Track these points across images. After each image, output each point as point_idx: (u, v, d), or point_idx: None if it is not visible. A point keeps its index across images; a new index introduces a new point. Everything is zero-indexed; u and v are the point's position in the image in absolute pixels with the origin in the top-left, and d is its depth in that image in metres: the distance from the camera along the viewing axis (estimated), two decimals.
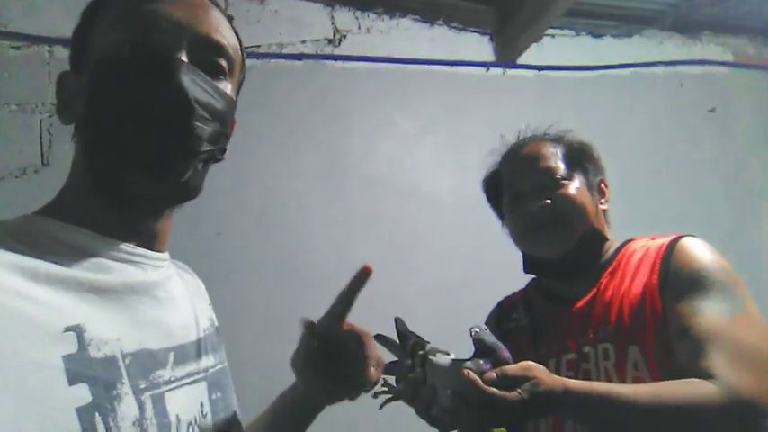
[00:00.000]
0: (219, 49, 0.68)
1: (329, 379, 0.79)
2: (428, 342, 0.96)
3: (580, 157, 1.19)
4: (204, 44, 0.66)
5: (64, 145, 1.93)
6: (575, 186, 1.14)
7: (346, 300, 0.86)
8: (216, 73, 0.68)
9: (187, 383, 0.65)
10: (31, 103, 1.96)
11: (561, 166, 1.16)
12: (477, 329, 0.89)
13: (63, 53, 2.01)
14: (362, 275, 0.86)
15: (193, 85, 0.62)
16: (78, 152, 0.66)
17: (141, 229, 0.67)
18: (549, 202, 1.13)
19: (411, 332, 1.00)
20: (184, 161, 0.63)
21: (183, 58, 0.63)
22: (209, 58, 0.67)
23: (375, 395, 0.98)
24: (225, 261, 2.04)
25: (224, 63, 0.69)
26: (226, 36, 0.70)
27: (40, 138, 1.96)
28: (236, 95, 0.75)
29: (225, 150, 0.73)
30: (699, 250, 1.05)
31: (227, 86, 0.70)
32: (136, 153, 0.60)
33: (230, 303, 1.99)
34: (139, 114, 0.60)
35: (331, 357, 0.80)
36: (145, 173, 0.62)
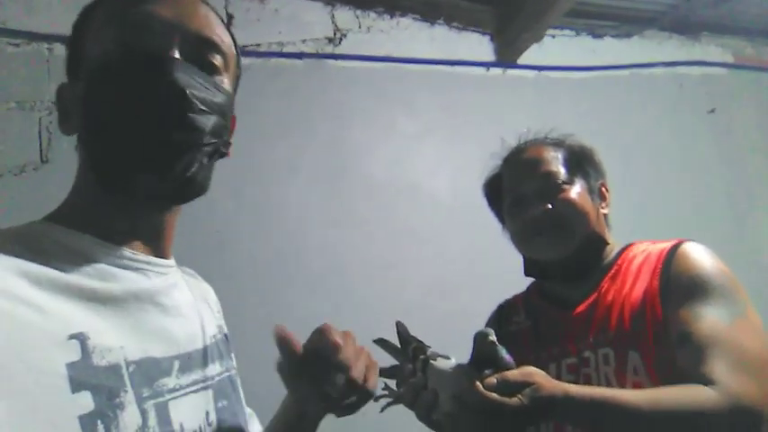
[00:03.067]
0: (212, 46, 0.69)
1: (316, 390, 0.70)
2: (429, 347, 0.97)
3: (581, 162, 1.19)
4: (196, 41, 0.67)
5: (63, 143, 1.92)
6: (576, 191, 1.14)
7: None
8: (210, 69, 0.68)
9: (192, 392, 0.65)
10: (30, 101, 1.95)
11: (562, 171, 1.16)
12: (482, 334, 0.89)
13: (62, 51, 1.96)
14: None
15: (189, 79, 0.63)
16: (82, 160, 0.66)
17: (146, 232, 0.67)
18: (550, 207, 1.13)
19: (412, 336, 1.00)
20: (188, 154, 0.63)
21: (176, 55, 0.64)
22: (203, 54, 0.67)
23: (376, 399, 0.98)
24: (223, 260, 2.04)
25: (218, 59, 0.69)
26: (217, 32, 0.70)
27: (39, 135, 1.95)
28: (234, 91, 0.75)
29: (229, 144, 0.73)
30: (700, 256, 1.05)
31: (222, 81, 0.70)
32: (139, 152, 0.61)
33: (229, 302, 1.98)
34: (138, 114, 0.60)
35: (311, 366, 0.70)
36: (151, 169, 0.62)
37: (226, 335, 0.82)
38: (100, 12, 0.66)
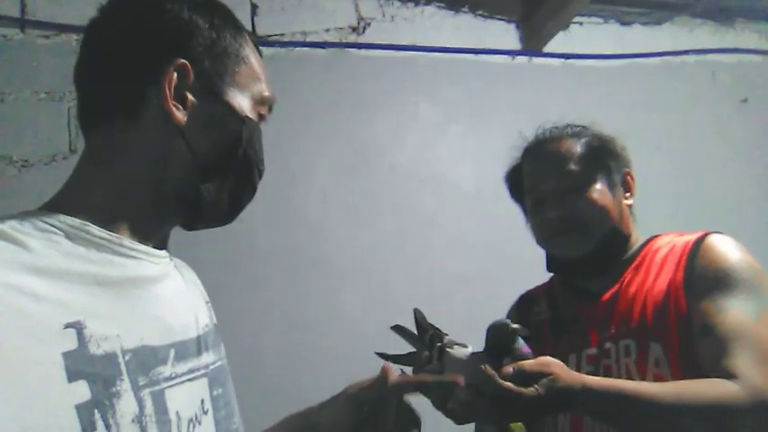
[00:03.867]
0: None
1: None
2: (446, 334, 0.97)
3: (602, 155, 1.16)
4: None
5: None
6: (596, 189, 1.12)
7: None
8: None
9: (188, 380, 0.65)
10: (59, 92, 1.99)
11: (582, 168, 1.13)
12: (501, 323, 0.89)
13: None
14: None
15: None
16: (146, 151, 0.65)
17: (154, 234, 0.68)
18: (569, 209, 1.11)
19: (429, 324, 1.00)
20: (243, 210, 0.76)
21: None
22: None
23: None
24: (244, 250, 2.05)
25: None
26: None
27: (68, 125, 1.99)
28: None
29: None
30: (726, 248, 1.03)
31: None
32: (239, 205, 0.74)
33: (246, 295, 2.01)
34: (246, 176, 0.72)
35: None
36: (219, 220, 0.73)
37: (215, 325, 0.82)
38: (251, 59, 0.73)
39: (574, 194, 1.12)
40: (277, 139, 2.07)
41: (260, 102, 0.73)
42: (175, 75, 0.64)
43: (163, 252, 0.69)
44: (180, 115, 0.64)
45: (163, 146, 0.65)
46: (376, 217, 2.27)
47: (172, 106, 0.63)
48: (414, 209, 2.32)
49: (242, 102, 0.69)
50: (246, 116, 0.69)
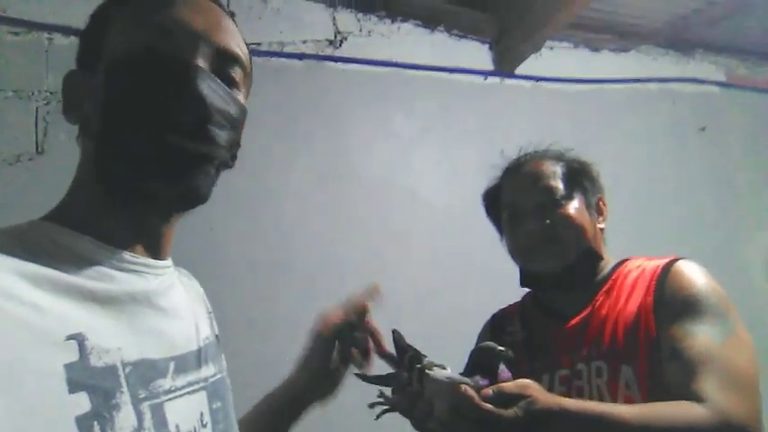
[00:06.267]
0: (235, 60, 0.69)
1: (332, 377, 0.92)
2: (425, 356, 0.97)
3: (580, 177, 1.21)
4: (222, 54, 0.67)
5: (59, 134, 1.91)
6: (574, 206, 1.16)
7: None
8: (230, 82, 0.69)
9: (187, 393, 0.65)
10: (27, 90, 1.94)
11: (561, 186, 1.17)
12: (487, 345, 0.91)
13: (62, 41, 1.99)
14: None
15: (211, 91, 0.63)
16: (86, 153, 0.65)
17: (146, 236, 0.67)
18: (547, 222, 1.14)
19: (409, 345, 1.00)
20: (200, 166, 0.64)
21: (201, 65, 0.64)
22: (225, 68, 0.68)
23: (371, 405, 0.99)
24: (217, 259, 2.03)
25: (238, 72, 0.70)
26: (241, 47, 0.71)
27: (36, 125, 1.93)
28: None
29: (236, 157, 0.74)
30: (693, 274, 1.07)
31: (239, 95, 0.71)
32: (154, 157, 0.61)
33: (223, 301, 1.98)
34: (157, 118, 0.60)
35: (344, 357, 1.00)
36: (161, 176, 0.62)
37: (217, 336, 0.82)
38: (126, 9, 0.66)
39: (552, 209, 1.15)
40: (250, 147, 2.06)
41: (157, 38, 0.63)
42: (74, 81, 0.67)
43: (165, 263, 0.69)
44: (73, 117, 0.67)
45: (83, 144, 0.66)
46: (347, 228, 2.27)
47: (66, 114, 0.67)
48: (385, 222, 2.34)
49: (116, 57, 0.63)
50: (114, 60, 0.63)
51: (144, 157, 0.61)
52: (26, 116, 1.93)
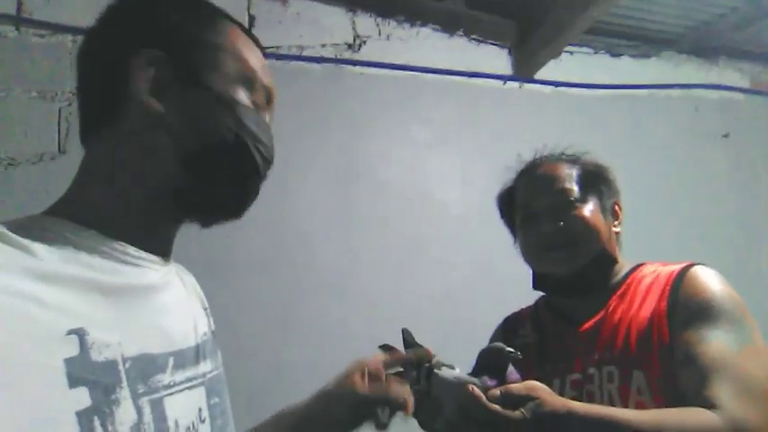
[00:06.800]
0: (274, 97, 0.78)
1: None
2: (434, 355, 0.97)
3: (595, 180, 1.20)
4: (271, 97, 0.76)
5: None
6: (589, 209, 1.15)
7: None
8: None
9: (186, 388, 0.65)
10: (51, 91, 1.98)
11: (576, 188, 1.16)
12: (496, 346, 0.91)
13: None
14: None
15: (269, 139, 0.73)
16: (135, 150, 0.64)
17: (158, 239, 0.68)
18: (562, 224, 1.13)
19: (417, 344, 1.00)
20: (252, 201, 0.73)
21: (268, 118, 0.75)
22: (270, 108, 0.77)
23: None
24: (234, 262, 2.05)
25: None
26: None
27: (58, 126, 1.98)
28: None
29: None
30: (709, 279, 1.05)
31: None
32: (233, 184, 0.69)
33: (236, 303, 2.00)
34: (243, 161, 0.68)
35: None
36: (227, 212, 0.71)
37: (213, 332, 0.82)
38: (224, 39, 0.70)
39: (567, 211, 1.14)
40: None
41: (251, 88, 0.70)
42: (149, 66, 0.64)
43: (165, 259, 0.69)
44: (157, 106, 0.63)
45: (145, 141, 0.64)
46: (363, 232, 2.28)
47: (145, 98, 0.63)
48: (400, 226, 2.34)
49: (226, 85, 0.67)
50: (231, 97, 0.67)
51: (226, 181, 0.69)
52: (49, 117, 1.97)
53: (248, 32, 0.74)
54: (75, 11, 2.02)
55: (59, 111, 1.98)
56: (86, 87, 0.67)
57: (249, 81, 0.70)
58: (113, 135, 0.64)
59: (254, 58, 0.72)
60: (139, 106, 0.63)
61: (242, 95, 0.68)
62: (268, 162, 0.72)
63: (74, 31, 2.03)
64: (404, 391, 0.84)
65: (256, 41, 0.75)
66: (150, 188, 0.65)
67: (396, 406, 0.84)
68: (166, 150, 0.64)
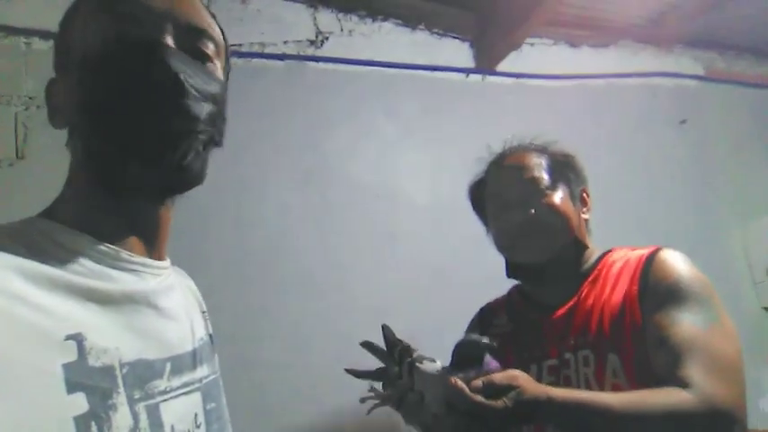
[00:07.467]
0: (203, 34, 0.69)
1: None
2: (415, 349, 0.98)
3: (564, 168, 1.22)
4: (187, 29, 0.67)
5: (40, 139, 1.89)
6: (558, 196, 1.17)
7: None
8: (203, 57, 0.68)
9: (183, 394, 0.65)
10: (6, 96, 1.91)
11: (545, 177, 1.18)
12: (473, 338, 0.92)
13: (40, 45, 1.97)
14: None
15: (182, 66, 0.62)
16: (77, 153, 0.65)
17: (141, 228, 0.67)
18: (533, 211, 1.15)
19: (398, 339, 1.01)
20: (183, 142, 0.63)
21: (169, 43, 0.64)
22: (194, 42, 0.67)
23: (362, 400, 0.99)
24: (199, 260, 2.02)
25: (210, 47, 0.70)
26: (207, 21, 0.71)
27: (15, 131, 1.91)
28: (226, 80, 0.76)
29: (223, 133, 0.72)
30: (676, 263, 1.09)
31: (215, 69, 0.70)
32: (134, 139, 0.60)
33: (207, 303, 1.97)
34: (132, 102, 0.60)
35: None
36: (145, 157, 0.61)
37: (211, 336, 0.82)
38: (87, 4, 0.66)
39: (537, 199, 1.16)
40: (232, 148, 2.05)
41: (126, 35, 0.63)
42: (55, 87, 0.68)
43: (162, 263, 0.69)
44: (59, 122, 0.67)
45: (73, 145, 0.66)
46: (333, 229, 2.26)
47: (54, 120, 0.68)
48: (370, 222, 2.33)
49: (96, 54, 0.62)
50: (98, 62, 0.62)
51: (125, 142, 0.60)
52: (6, 121, 1.90)
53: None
54: (28, 13, 1.96)
55: (16, 115, 1.91)
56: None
57: (120, 33, 0.63)
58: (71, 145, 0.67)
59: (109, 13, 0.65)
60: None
61: (110, 50, 0.62)
62: (182, 92, 0.62)
63: (27, 32, 1.96)
64: None
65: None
66: (94, 186, 0.63)
67: None
68: (77, 145, 0.65)
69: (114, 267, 0.60)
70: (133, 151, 0.61)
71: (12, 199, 1.77)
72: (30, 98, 1.92)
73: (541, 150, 1.24)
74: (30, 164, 1.87)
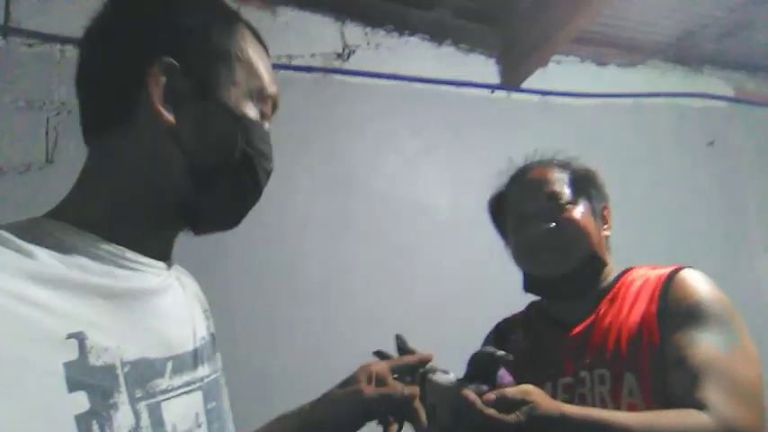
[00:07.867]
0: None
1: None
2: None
3: (585, 184, 1.21)
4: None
5: (69, 144, 1.93)
6: (579, 211, 1.16)
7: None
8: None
9: (184, 393, 0.65)
10: (39, 101, 1.97)
11: (567, 191, 1.18)
12: (487, 350, 0.91)
13: (74, 53, 2.00)
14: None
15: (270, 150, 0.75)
16: (130, 158, 0.64)
17: (159, 246, 0.68)
18: (553, 225, 1.14)
19: (411, 349, 1.01)
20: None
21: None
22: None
23: None
24: (221, 268, 2.04)
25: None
26: None
27: (46, 135, 1.96)
28: None
29: None
30: (697, 282, 1.07)
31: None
32: (252, 196, 0.73)
33: (225, 311, 1.98)
34: (247, 176, 0.70)
35: None
36: (224, 224, 0.74)
37: (213, 334, 0.82)
38: (241, 48, 0.69)
39: (558, 214, 1.15)
40: None
41: (260, 99, 0.71)
42: (163, 75, 0.63)
43: (165, 263, 0.69)
44: (169, 117, 0.63)
45: (155, 150, 0.64)
46: (353, 240, 2.28)
47: (159, 107, 0.62)
48: (390, 235, 2.34)
49: (238, 100, 0.67)
50: (243, 114, 0.68)
51: (241, 205, 0.73)
52: (37, 126, 1.96)
53: (259, 38, 0.74)
54: (63, 20, 2.02)
55: (47, 120, 1.97)
56: (94, 88, 0.66)
57: (259, 92, 0.70)
58: (120, 139, 0.64)
59: (264, 67, 0.72)
60: (150, 114, 0.62)
61: (252, 110, 0.69)
62: (268, 175, 0.74)
63: (62, 40, 2.02)
64: (412, 392, 0.83)
65: (266, 48, 0.75)
66: (155, 196, 0.65)
67: (403, 410, 0.84)
68: (175, 162, 0.64)
69: (118, 265, 0.60)
70: (245, 204, 0.73)
71: (41, 202, 1.81)
72: (61, 104, 1.97)
73: (563, 165, 1.24)
74: (58, 168, 1.92)
